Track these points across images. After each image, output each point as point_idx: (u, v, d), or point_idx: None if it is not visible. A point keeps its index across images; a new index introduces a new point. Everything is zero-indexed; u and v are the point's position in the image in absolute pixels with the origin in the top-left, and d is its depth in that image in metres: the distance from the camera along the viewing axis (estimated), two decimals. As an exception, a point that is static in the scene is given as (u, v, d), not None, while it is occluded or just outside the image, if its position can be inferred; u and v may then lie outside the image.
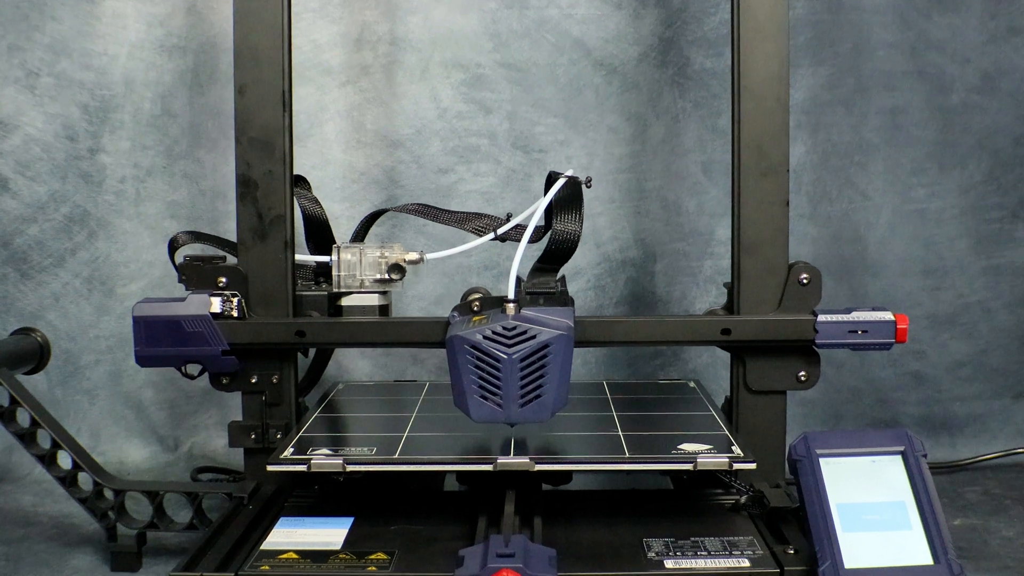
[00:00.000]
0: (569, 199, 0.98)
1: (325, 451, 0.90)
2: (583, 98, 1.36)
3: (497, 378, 0.88)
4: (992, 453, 1.32)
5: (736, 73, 1.01)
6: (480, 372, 0.88)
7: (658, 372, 1.38)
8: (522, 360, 0.88)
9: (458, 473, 1.00)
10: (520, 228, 1.07)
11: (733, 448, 0.89)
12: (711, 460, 0.86)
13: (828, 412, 1.38)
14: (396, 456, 0.89)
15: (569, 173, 1.00)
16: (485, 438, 0.94)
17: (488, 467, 0.86)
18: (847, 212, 1.38)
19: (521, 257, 0.94)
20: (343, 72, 1.36)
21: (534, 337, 0.88)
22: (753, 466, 0.87)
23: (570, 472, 0.98)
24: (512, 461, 0.87)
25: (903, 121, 1.36)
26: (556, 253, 0.97)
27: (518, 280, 0.95)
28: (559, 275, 0.99)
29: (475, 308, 0.94)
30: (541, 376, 0.88)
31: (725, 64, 1.31)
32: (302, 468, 0.87)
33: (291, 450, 0.91)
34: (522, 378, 0.88)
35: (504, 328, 0.88)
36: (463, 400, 0.90)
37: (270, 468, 0.88)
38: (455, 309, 0.96)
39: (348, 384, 1.20)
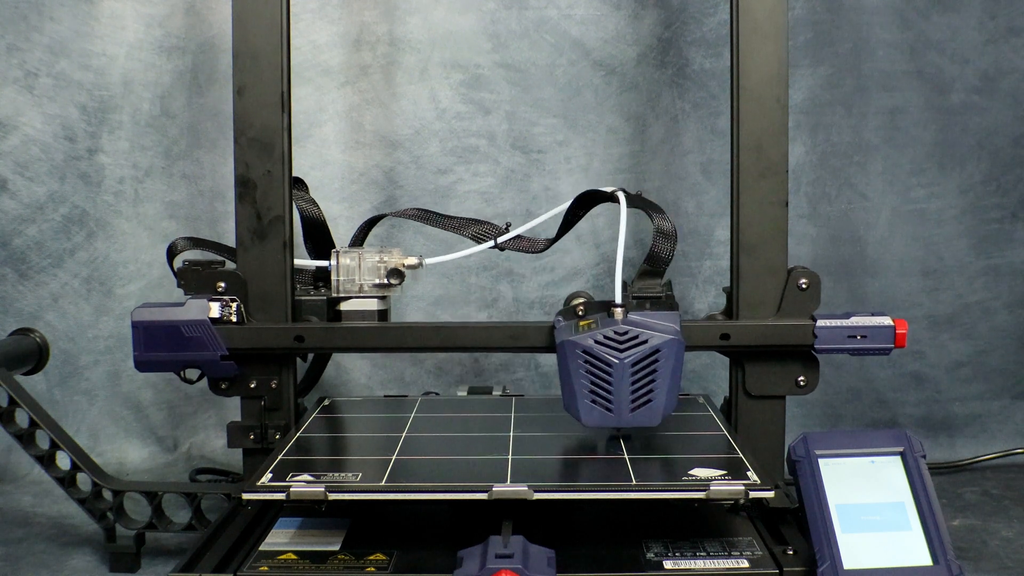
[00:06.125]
0: (650, 203, 1.00)
1: (306, 477, 0.84)
2: (582, 98, 1.36)
3: (608, 383, 0.88)
4: (991, 453, 1.32)
5: (735, 73, 1.01)
6: (592, 377, 0.89)
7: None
8: (633, 365, 0.88)
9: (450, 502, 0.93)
10: (521, 240, 1.07)
11: (749, 474, 0.84)
12: (725, 488, 0.81)
13: (827, 412, 1.38)
14: (383, 483, 0.83)
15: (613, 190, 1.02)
16: (479, 461, 0.89)
17: (483, 495, 0.81)
18: (846, 212, 1.38)
19: (622, 262, 0.94)
20: (342, 73, 1.36)
21: (646, 342, 0.88)
22: (771, 494, 0.81)
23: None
24: (509, 489, 0.81)
25: (902, 121, 1.36)
26: (660, 253, 0.97)
27: (624, 284, 0.94)
28: (665, 279, 0.99)
29: (580, 312, 0.94)
30: (652, 381, 0.89)
31: (724, 65, 1.31)
32: (280, 496, 0.81)
33: (269, 475, 0.84)
34: (633, 383, 0.89)
35: (616, 333, 0.88)
36: (573, 404, 0.90)
37: (245, 497, 0.82)
38: (559, 314, 0.96)
39: (334, 400, 1.14)
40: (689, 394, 1.16)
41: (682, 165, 1.37)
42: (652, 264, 0.98)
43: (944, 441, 1.36)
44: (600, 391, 0.89)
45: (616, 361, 0.88)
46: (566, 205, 1.05)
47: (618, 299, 0.92)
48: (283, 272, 1.02)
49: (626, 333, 0.89)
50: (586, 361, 0.89)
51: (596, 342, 0.89)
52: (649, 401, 0.89)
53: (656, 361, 0.89)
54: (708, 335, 1.00)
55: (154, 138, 1.36)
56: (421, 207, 1.18)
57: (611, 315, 0.91)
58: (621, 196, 1.00)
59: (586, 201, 1.04)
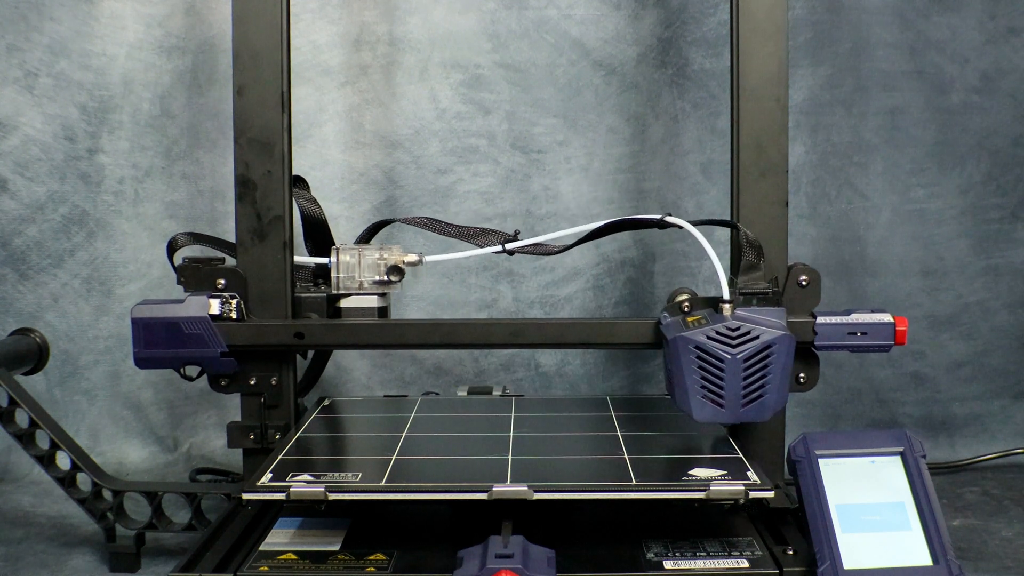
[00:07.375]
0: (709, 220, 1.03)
1: (306, 477, 0.84)
2: (582, 98, 1.36)
3: (720, 378, 0.89)
4: (991, 453, 1.32)
5: (735, 73, 1.01)
6: (703, 372, 0.89)
7: (657, 372, 1.38)
8: (746, 360, 0.89)
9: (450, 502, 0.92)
10: (536, 245, 1.06)
11: (749, 474, 0.84)
12: (725, 488, 0.81)
13: (827, 413, 1.38)
14: (383, 483, 0.83)
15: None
16: (479, 461, 0.89)
17: (483, 495, 0.81)
18: (846, 212, 1.38)
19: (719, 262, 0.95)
20: (342, 73, 1.36)
21: (757, 337, 0.89)
22: (771, 494, 0.82)
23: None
24: (509, 489, 0.81)
25: (902, 121, 1.36)
26: (754, 242, 0.98)
27: (729, 279, 0.95)
28: (774, 275, 0.99)
29: (685, 308, 0.95)
30: (764, 376, 0.89)
31: (724, 64, 1.31)
32: (280, 496, 0.81)
33: (269, 475, 0.84)
34: (745, 378, 0.89)
35: (728, 328, 0.89)
36: (685, 400, 0.90)
37: (245, 497, 0.82)
38: (665, 310, 0.96)
39: (334, 400, 1.15)
40: None
41: (682, 165, 1.37)
42: (753, 255, 0.98)
43: (944, 441, 1.36)
44: (712, 386, 0.90)
45: (728, 356, 0.89)
46: (587, 227, 1.05)
47: (726, 295, 0.93)
48: (283, 272, 1.02)
49: (738, 329, 0.89)
50: (698, 357, 0.89)
51: (708, 338, 0.89)
52: (761, 396, 0.90)
53: (768, 356, 0.89)
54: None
55: (154, 138, 1.36)
56: (427, 215, 1.18)
57: (719, 311, 0.92)
58: (681, 222, 1.01)
59: (621, 226, 1.05)
